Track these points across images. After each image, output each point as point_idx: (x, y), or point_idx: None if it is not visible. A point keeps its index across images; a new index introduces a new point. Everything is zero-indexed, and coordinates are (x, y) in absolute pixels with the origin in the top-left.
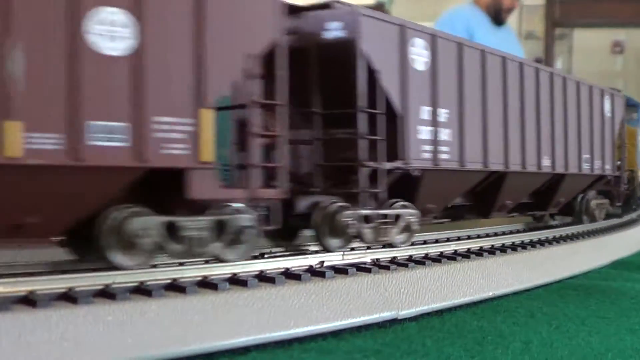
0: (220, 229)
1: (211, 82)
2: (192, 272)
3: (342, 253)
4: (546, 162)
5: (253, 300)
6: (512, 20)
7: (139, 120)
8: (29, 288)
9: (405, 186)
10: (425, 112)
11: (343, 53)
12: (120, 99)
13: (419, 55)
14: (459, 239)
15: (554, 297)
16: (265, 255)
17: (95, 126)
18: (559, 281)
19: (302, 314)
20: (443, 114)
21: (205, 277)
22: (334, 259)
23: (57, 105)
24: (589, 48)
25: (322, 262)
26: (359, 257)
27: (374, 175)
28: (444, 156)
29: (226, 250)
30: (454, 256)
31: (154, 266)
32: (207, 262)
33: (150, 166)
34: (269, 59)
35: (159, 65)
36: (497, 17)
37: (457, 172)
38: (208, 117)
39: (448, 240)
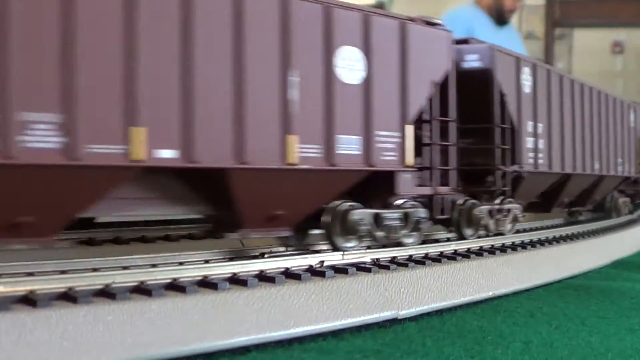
0: (405, 219)
1: (411, 104)
2: (192, 271)
3: (342, 253)
4: (596, 165)
5: (253, 300)
6: (512, 20)
7: (368, 134)
8: (29, 288)
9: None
10: (529, 126)
11: (480, 79)
12: (356, 117)
13: (526, 80)
14: (459, 238)
15: (554, 297)
16: (265, 255)
17: (342, 139)
18: (559, 281)
19: (302, 313)
20: (540, 127)
21: (205, 276)
22: (333, 258)
23: (318, 122)
24: (589, 48)
25: (322, 261)
26: (358, 257)
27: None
28: (540, 161)
29: (407, 236)
30: (454, 256)
31: (154, 265)
32: (207, 261)
33: (375, 169)
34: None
35: (379, 91)
36: (500, 18)
37: (546, 174)
38: (410, 131)
39: (448, 240)
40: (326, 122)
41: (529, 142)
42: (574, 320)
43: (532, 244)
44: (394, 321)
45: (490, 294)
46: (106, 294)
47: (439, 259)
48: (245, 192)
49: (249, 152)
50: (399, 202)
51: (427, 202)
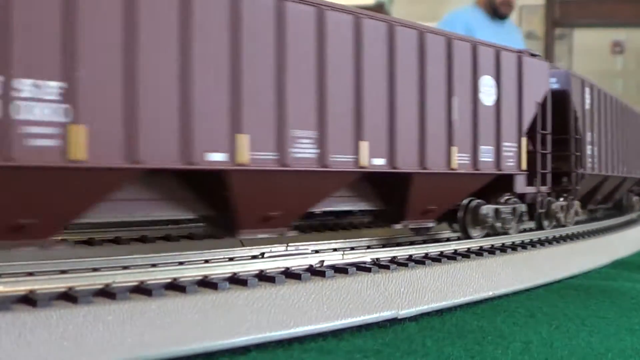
0: (513, 213)
1: (524, 120)
2: (192, 271)
3: (342, 252)
4: (624, 168)
5: (253, 300)
6: (512, 20)
7: (498, 145)
8: (29, 288)
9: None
10: (589, 136)
11: (558, 98)
12: (490, 132)
13: (587, 98)
14: (459, 238)
15: (554, 297)
16: (265, 255)
17: (483, 149)
18: (559, 281)
19: (302, 313)
20: (594, 137)
21: (205, 276)
22: (333, 258)
23: (468, 136)
24: (589, 48)
25: (322, 261)
26: (358, 257)
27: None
28: (591, 165)
29: (512, 227)
30: (454, 256)
31: (154, 265)
32: (207, 261)
33: (502, 173)
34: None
35: (505, 110)
36: (496, 12)
37: (596, 175)
38: (524, 142)
39: (448, 240)
40: (473, 136)
41: (588, 149)
42: (574, 320)
43: (532, 244)
44: (394, 321)
45: (490, 294)
46: (106, 294)
47: (439, 259)
48: (421, 191)
49: (428, 160)
50: (505, 198)
51: (523, 199)
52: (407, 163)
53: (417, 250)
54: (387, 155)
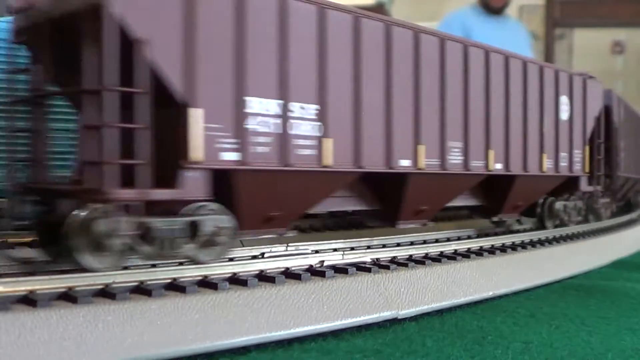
0: (574, 208)
1: (587, 131)
2: (192, 271)
3: (342, 253)
4: (635, 170)
5: (253, 300)
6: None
7: (570, 152)
8: (29, 288)
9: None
10: (622, 143)
11: (605, 113)
12: (565, 141)
13: (623, 112)
14: (459, 238)
15: (554, 297)
16: (265, 255)
17: (561, 155)
18: (559, 281)
19: (302, 313)
20: (624, 145)
21: (205, 276)
22: (333, 258)
23: (552, 145)
24: (589, 48)
25: (322, 261)
26: (359, 257)
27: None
28: (623, 168)
29: (573, 221)
30: (454, 256)
31: (154, 266)
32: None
33: (573, 175)
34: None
35: (575, 123)
36: (488, 7)
37: (624, 177)
38: (587, 149)
39: (448, 240)
40: (555, 144)
41: (621, 155)
42: (574, 320)
43: (532, 244)
44: (394, 321)
45: (490, 294)
46: (106, 294)
47: (439, 259)
48: (519, 189)
49: (529, 164)
50: (566, 196)
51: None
52: (515, 167)
53: (417, 250)
54: (503, 161)
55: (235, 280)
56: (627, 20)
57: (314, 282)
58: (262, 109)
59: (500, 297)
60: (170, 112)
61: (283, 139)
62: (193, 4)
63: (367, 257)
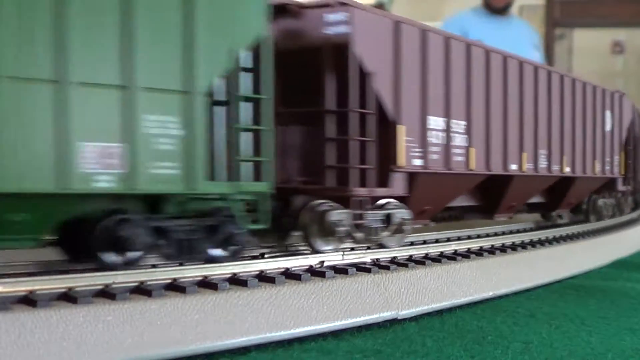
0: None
1: (622, 140)
2: (192, 272)
3: (342, 253)
4: None
5: (253, 300)
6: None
7: (611, 157)
8: (29, 288)
9: None
10: None
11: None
12: (607, 147)
13: None
14: (459, 239)
15: (554, 297)
16: (265, 255)
17: (605, 159)
18: (559, 281)
19: (302, 314)
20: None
21: (205, 277)
22: (333, 259)
23: (600, 151)
24: (589, 48)
25: (322, 262)
26: (359, 257)
27: None
28: None
29: (607, 215)
30: (454, 256)
31: (154, 266)
32: (206, 261)
33: (611, 176)
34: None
35: (615, 133)
36: (489, 6)
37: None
38: (622, 155)
39: (448, 240)
40: (602, 151)
41: None
42: (574, 320)
43: (532, 244)
44: (394, 321)
45: (490, 294)
46: (106, 294)
47: (439, 259)
48: (577, 188)
49: (587, 167)
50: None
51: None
52: (578, 170)
53: (417, 251)
54: (571, 165)
55: (235, 281)
56: (627, 20)
57: (314, 283)
58: (435, 125)
59: (500, 297)
60: (382, 128)
61: (447, 149)
62: (399, 46)
63: (367, 258)
